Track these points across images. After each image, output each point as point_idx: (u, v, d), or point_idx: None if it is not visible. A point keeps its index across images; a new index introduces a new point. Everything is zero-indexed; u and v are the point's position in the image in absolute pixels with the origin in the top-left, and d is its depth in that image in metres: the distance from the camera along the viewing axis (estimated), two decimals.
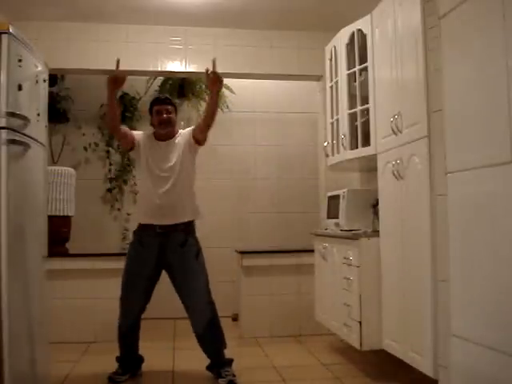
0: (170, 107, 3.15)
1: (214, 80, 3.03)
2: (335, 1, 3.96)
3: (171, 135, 3.16)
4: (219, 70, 4.49)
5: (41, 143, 2.64)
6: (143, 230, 3.13)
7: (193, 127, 3.20)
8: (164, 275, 3.17)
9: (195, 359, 3.35)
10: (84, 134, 5.09)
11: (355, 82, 3.47)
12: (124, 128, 3.22)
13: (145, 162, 3.11)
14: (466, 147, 2.10)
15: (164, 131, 3.13)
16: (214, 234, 4.82)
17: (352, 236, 3.17)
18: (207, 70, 3.01)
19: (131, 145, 3.16)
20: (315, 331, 3.99)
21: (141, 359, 3.19)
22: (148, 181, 3.09)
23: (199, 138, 3.13)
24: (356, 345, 3.08)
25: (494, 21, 1.90)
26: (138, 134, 3.24)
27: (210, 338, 3.03)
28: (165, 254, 3.05)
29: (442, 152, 2.33)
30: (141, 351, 3.39)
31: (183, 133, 3.19)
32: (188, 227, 3.08)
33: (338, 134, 3.67)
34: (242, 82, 5.12)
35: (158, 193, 3.03)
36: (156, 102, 3.19)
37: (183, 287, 3.06)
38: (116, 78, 3.01)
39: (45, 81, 2.75)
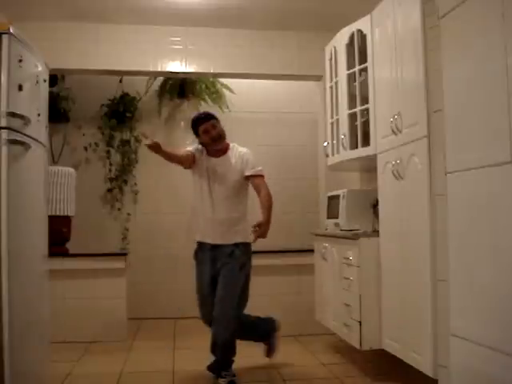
0: (214, 121, 3.08)
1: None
2: (335, 1, 3.96)
3: (224, 150, 3.12)
4: (219, 69, 4.54)
5: (41, 143, 2.64)
6: (199, 245, 3.15)
7: (251, 170, 3.06)
8: None
9: (195, 359, 3.36)
10: (84, 134, 5.09)
11: (355, 82, 3.47)
12: (184, 155, 3.09)
13: (198, 178, 3.10)
14: (466, 147, 2.10)
15: (219, 146, 3.08)
16: None
17: (352, 236, 3.17)
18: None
19: (189, 165, 3.12)
20: (315, 331, 3.99)
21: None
22: (205, 198, 3.07)
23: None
24: (356, 344, 3.08)
25: (493, 21, 1.90)
26: (195, 150, 3.14)
27: (226, 350, 2.97)
28: (216, 264, 3.05)
29: (441, 152, 2.33)
30: (141, 351, 3.39)
31: (237, 152, 3.12)
32: (238, 243, 3.06)
33: (338, 134, 3.67)
34: (242, 82, 5.12)
35: (213, 212, 3.04)
36: (199, 121, 3.09)
37: (217, 294, 3.00)
38: (150, 146, 2.85)
39: (45, 81, 2.75)
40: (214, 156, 3.11)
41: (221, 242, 3.04)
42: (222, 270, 3.01)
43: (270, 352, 3.32)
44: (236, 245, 3.05)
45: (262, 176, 3.08)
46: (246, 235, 3.08)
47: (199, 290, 3.13)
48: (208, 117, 3.11)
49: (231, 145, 3.16)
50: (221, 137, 3.08)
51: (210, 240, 3.08)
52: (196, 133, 3.12)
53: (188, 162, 3.10)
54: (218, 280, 3.03)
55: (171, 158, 3.05)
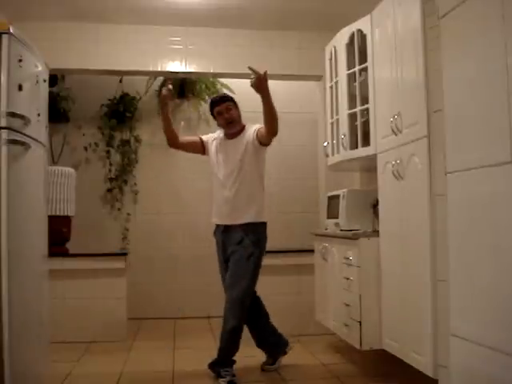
0: (229, 103, 3.15)
1: (258, 84, 2.88)
2: (335, 1, 3.96)
3: (239, 132, 3.16)
4: (219, 69, 4.54)
5: (41, 143, 2.64)
6: (215, 227, 3.22)
7: (258, 127, 3.10)
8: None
9: (195, 359, 3.36)
10: (84, 134, 5.09)
11: (355, 82, 3.47)
12: (186, 139, 3.30)
13: (214, 162, 3.18)
14: (466, 147, 2.10)
15: (233, 130, 3.14)
16: None
17: (352, 236, 3.17)
18: (252, 80, 2.89)
19: (201, 151, 3.27)
20: (315, 331, 3.99)
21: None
22: (216, 181, 3.16)
23: (264, 142, 3.08)
24: (356, 344, 3.08)
25: (493, 20, 1.90)
26: (209, 136, 3.29)
27: (232, 338, 2.98)
28: (226, 250, 3.12)
29: (441, 152, 2.33)
30: (141, 351, 3.36)
31: (249, 129, 3.15)
32: (247, 227, 3.05)
33: (338, 134, 3.67)
34: (242, 82, 5.10)
35: (223, 193, 3.10)
36: (214, 104, 3.18)
37: (226, 282, 3.07)
38: (166, 95, 3.06)
39: (45, 81, 2.75)
40: (229, 138, 3.18)
41: (229, 222, 3.08)
42: (231, 257, 3.06)
43: (267, 363, 3.27)
44: (245, 230, 3.04)
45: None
46: (256, 215, 3.08)
47: (220, 271, 3.23)
48: (223, 99, 3.19)
49: (246, 126, 3.19)
50: (234, 120, 3.13)
51: (219, 221, 3.15)
52: (213, 115, 3.21)
53: (196, 147, 3.25)
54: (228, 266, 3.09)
55: (171, 132, 3.16)
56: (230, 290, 3.02)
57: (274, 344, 3.29)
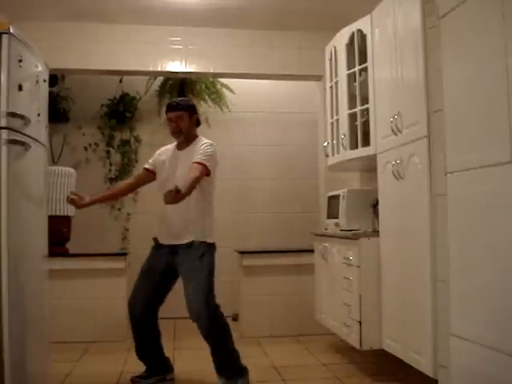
0: (180, 113, 2.90)
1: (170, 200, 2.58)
2: (335, 1, 3.96)
3: (187, 143, 2.93)
4: (219, 69, 4.55)
5: (41, 143, 2.64)
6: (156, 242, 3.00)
7: (201, 149, 2.83)
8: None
9: (195, 359, 3.36)
10: (84, 134, 5.09)
11: (355, 82, 3.47)
12: (134, 180, 3.15)
13: (161, 174, 2.95)
14: (466, 147, 2.10)
15: (178, 140, 2.96)
16: None
17: (352, 236, 3.17)
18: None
19: (153, 178, 3.02)
20: (315, 331, 3.99)
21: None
22: (163, 189, 2.85)
23: None
24: (356, 344, 3.08)
25: (493, 21, 1.90)
26: (158, 153, 3.05)
27: (211, 345, 2.89)
28: (173, 260, 2.91)
29: (441, 152, 2.33)
30: None
31: (198, 143, 2.89)
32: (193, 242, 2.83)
33: (338, 134, 3.68)
34: (242, 82, 5.12)
35: (166, 208, 2.79)
36: (167, 108, 2.95)
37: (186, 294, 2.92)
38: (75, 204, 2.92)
39: (45, 81, 2.75)
40: (179, 149, 2.96)
41: (174, 242, 2.87)
42: (180, 266, 2.90)
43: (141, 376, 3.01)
44: (192, 243, 2.83)
45: (202, 164, 2.74)
46: (200, 235, 2.84)
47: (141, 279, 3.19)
48: (176, 107, 2.92)
49: (198, 138, 2.96)
50: (181, 131, 2.91)
51: (165, 241, 2.92)
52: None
53: (145, 179, 3.04)
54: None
55: (115, 197, 3.12)
56: (188, 298, 2.87)
57: (154, 361, 3.06)
